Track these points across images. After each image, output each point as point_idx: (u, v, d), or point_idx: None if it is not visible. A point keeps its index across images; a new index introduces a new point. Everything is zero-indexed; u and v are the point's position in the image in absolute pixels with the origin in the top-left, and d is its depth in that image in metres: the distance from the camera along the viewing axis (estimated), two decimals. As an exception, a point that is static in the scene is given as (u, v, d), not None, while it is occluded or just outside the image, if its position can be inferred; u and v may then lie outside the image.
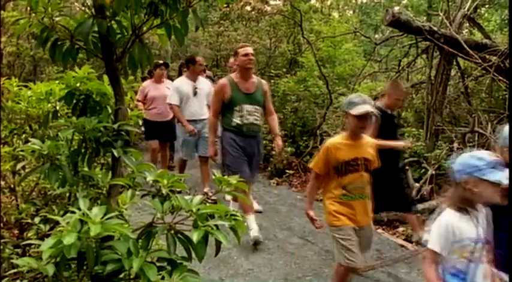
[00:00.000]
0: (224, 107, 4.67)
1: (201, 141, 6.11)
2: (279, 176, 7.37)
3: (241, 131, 4.62)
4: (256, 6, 10.93)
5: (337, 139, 3.23)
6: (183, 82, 6.15)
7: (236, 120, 4.60)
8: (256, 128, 4.70)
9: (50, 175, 1.65)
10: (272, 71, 9.99)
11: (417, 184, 5.63)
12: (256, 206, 5.47)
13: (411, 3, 13.78)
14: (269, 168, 7.63)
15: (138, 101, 6.58)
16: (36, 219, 2.05)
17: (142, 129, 6.74)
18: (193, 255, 1.35)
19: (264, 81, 5.00)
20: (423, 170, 5.92)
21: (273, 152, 7.26)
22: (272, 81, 9.17)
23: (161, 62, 7.28)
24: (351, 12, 17.06)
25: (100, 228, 1.18)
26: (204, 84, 6.30)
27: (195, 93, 6.09)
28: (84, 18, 1.59)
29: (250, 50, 4.67)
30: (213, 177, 1.41)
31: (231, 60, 6.24)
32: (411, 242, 4.81)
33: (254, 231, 4.52)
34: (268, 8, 11.53)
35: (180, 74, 8.92)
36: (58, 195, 2.39)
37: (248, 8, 11.28)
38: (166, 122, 6.93)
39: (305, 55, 9.39)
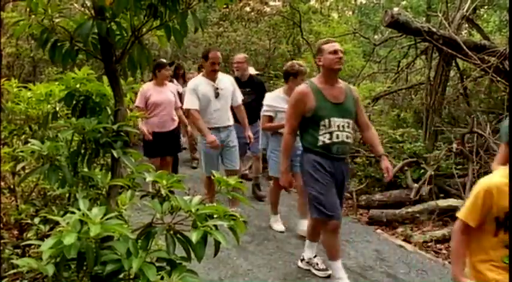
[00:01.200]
0: (306, 122, 3.61)
1: (226, 151, 5.11)
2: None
3: (329, 152, 3.54)
4: (256, 7, 10.95)
5: (498, 177, 2.24)
6: (200, 82, 5.02)
7: (323, 138, 3.53)
8: (347, 148, 3.64)
9: (50, 176, 1.65)
10: (271, 72, 10.01)
11: (416, 185, 5.64)
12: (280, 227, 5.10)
13: (410, 4, 13.80)
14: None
15: (138, 107, 5.58)
16: (36, 220, 2.05)
17: (141, 142, 5.95)
18: (193, 255, 1.36)
19: (352, 86, 3.99)
20: (422, 171, 5.93)
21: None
22: (271, 81, 9.18)
23: (164, 60, 6.24)
24: (350, 13, 17.07)
25: (100, 229, 1.18)
26: (226, 82, 5.16)
27: (217, 95, 5.01)
28: (83, 20, 1.60)
29: (338, 45, 3.63)
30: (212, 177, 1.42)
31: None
32: (410, 243, 4.83)
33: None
34: (268, 9, 11.55)
35: (174, 76, 8.37)
36: (58, 196, 2.40)
37: (247, 8, 11.30)
38: (170, 133, 5.90)
39: (304, 56, 9.41)
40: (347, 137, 3.57)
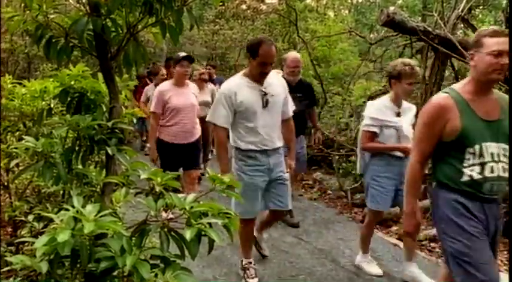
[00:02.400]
0: (444, 147, 2.58)
1: (276, 185, 3.68)
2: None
3: (478, 192, 2.52)
4: (252, 4, 10.95)
5: None
6: (241, 85, 3.51)
7: (471, 171, 2.51)
8: (504, 185, 2.54)
9: (44, 173, 1.65)
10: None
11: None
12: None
13: (406, 3, 13.83)
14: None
15: (155, 113, 4.80)
16: (30, 217, 2.05)
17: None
18: (187, 253, 1.36)
19: (504, 95, 2.70)
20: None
21: None
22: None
23: (183, 54, 5.00)
24: (347, 11, 17.08)
25: (94, 226, 1.18)
26: (278, 86, 3.66)
27: (265, 104, 3.52)
28: (78, 16, 1.59)
29: (506, 43, 2.44)
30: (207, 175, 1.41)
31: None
32: (404, 241, 4.85)
33: None
34: (264, 7, 11.55)
35: (167, 75, 7.87)
36: (52, 193, 2.39)
37: (243, 6, 11.30)
38: (192, 144, 4.89)
39: (300, 54, 9.39)
40: (503, 170, 2.52)
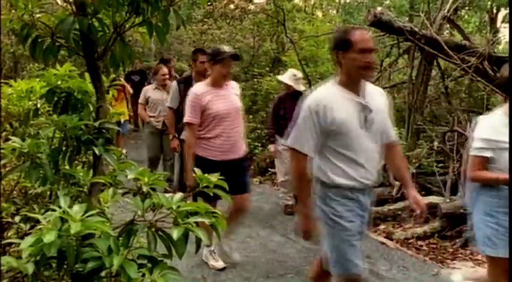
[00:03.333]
0: None
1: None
2: (262, 174, 7.40)
3: None
4: (240, 4, 10.95)
5: None
6: (334, 96, 2.59)
7: None
8: None
9: (31, 173, 1.64)
10: (255, 70, 10.03)
11: (398, 182, 5.70)
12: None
13: (393, 3, 13.92)
14: (252, 167, 7.65)
15: (191, 124, 3.80)
16: (17, 219, 2.03)
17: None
18: (175, 253, 1.36)
19: None
20: (404, 169, 6.00)
21: (256, 150, 7.28)
22: (255, 80, 9.20)
23: (227, 49, 3.93)
24: (334, 11, 17.16)
25: (80, 226, 1.18)
26: (377, 95, 2.73)
27: (365, 122, 2.59)
28: (65, 16, 1.58)
29: None
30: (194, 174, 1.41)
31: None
32: (392, 240, 4.89)
33: None
34: (252, 7, 11.56)
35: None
36: (39, 194, 2.37)
37: (232, 6, 11.29)
38: (239, 161, 3.94)
39: (288, 54, 9.44)
40: None
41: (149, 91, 6.47)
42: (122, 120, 7.18)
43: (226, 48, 3.97)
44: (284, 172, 5.62)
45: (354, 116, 2.54)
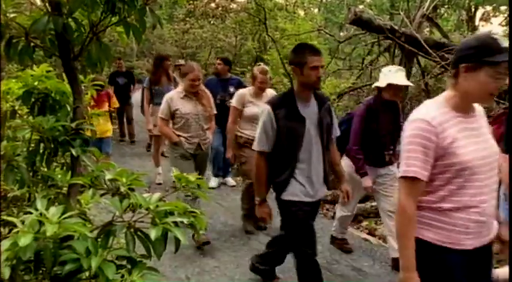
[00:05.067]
0: None
1: None
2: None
3: None
4: (221, 3, 10.94)
5: None
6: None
7: None
8: None
9: (7, 176, 1.62)
10: (237, 69, 10.03)
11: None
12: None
13: (374, 2, 14.06)
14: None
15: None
16: (-5, 222, 2.00)
17: None
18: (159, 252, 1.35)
19: None
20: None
21: None
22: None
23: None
24: (316, 10, 17.24)
25: (57, 228, 1.17)
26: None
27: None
28: (39, 15, 1.56)
29: None
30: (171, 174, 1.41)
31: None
32: (374, 236, 4.93)
33: None
34: (234, 5, 11.55)
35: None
36: (19, 197, 2.34)
37: (213, 5, 11.27)
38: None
39: (270, 53, 9.46)
40: None
41: (175, 100, 4.59)
42: (105, 136, 6.15)
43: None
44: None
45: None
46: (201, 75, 4.63)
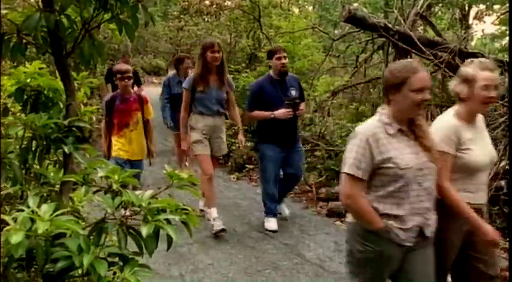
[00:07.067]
0: None
1: None
2: (239, 171, 7.40)
3: None
4: (215, 1, 10.91)
5: None
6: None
7: None
8: None
9: (-1, 174, 1.61)
10: (232, 66, 10.02)
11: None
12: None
13: (369, 0, 14.08)
14: (229, 163, 7.65)
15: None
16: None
17: None
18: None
19: None
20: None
21: (233, 147, 7.26)
22: (232, 76, 9.18)
23: None
24: (311, 8, 17.25)
25: (49, 226, 1.16)
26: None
27: None
28: (31, 12, 1.55)
29: None
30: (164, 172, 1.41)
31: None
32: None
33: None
34: (228, 3, 11.53)
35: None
36: (12, 195, 2.33)
37: (207, 2, 11.25)
38: None
39: (264, 50, 9.45)
40: None
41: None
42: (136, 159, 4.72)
43: None
44: None
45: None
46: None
